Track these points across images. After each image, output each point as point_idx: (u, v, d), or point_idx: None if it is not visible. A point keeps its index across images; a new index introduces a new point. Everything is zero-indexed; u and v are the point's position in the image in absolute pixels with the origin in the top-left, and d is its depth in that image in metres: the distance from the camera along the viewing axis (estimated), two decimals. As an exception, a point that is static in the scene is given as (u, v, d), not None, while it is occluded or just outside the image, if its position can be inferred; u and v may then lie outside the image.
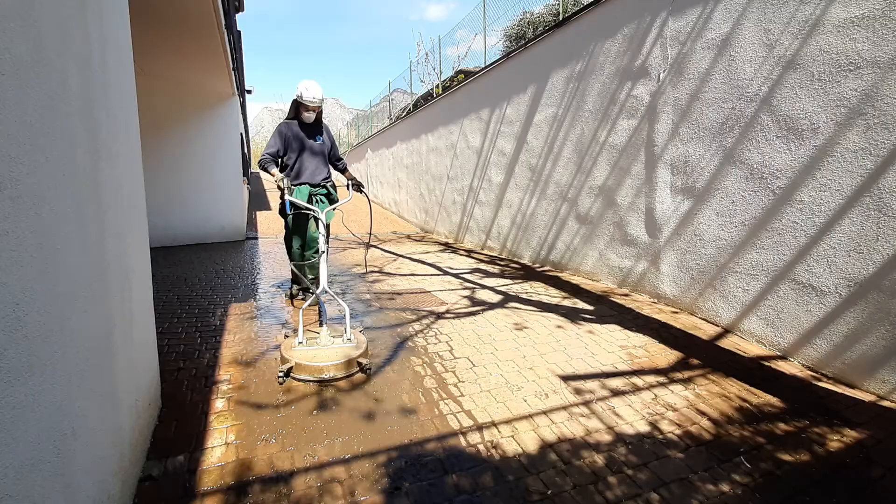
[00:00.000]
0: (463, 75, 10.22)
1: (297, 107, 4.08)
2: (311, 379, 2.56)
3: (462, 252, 7.32)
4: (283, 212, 4.18)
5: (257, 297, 4.37)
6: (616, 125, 4.65)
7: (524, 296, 4.42)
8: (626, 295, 4.42)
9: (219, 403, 2.33)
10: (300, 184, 4.27)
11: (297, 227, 4.18)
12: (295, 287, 4.37)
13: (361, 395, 2.46)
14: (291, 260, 4.20)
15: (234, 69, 7.84)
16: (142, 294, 2.08)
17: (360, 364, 2.67)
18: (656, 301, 4.20)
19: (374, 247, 7.95)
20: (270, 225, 10.67)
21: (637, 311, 3.93)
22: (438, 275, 5.49)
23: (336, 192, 4.55)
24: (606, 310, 3.97)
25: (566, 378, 2.74)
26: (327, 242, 3.37)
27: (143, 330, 2.09)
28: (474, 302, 4.20)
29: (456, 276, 5.41)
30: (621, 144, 4.59)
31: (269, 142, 4.16)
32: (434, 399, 2.45)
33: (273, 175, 4.07)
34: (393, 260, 6.53)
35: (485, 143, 7.25)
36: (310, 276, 4.26)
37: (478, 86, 7.44)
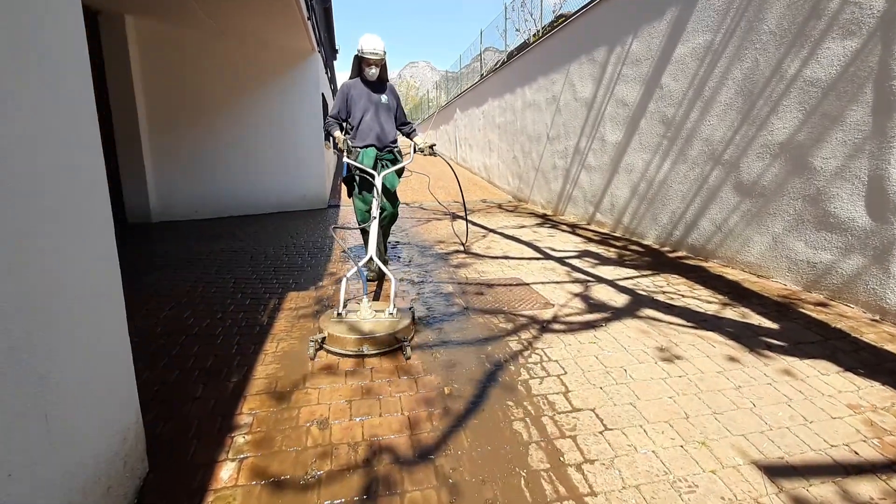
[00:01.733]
0: (563, 19, 8.59)
1: (359, 63, 3.67)
2: (344, 352, 2.39)
3: (564, 227, 6.11)
4: (347, 179, 3.75)
5: (321, 282, 3.68)
6: (819, 50, 3.11)
7: (661, 297, 3.22)
8: (823, 305, 3.01)
9: (225, 471, 1.59)
10: (366, 146, 3.70)
11: (364, 192, 3.69)
12: (386, 255, 4.02)
13: (429, 475, 1.57)
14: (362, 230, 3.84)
15: (312, 24, 7.15)
16: (98, 314, 1.34)
17: (397, 339, 2.44)
18: (879, 319, 2.76)
19: (463, 219, 7.03)
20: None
21: (854, 335, 2.57)
22: (537, 258, 4.41)
23: (403, 157, 3.83)
24: (800, 330, 2.65)
25: (771, 471, 1.60)
26: (381, 209, 3.19)
27: (107, 367, 1.37)
28: (590, 304, 3.10)
29: (560, 260, 4.29)
30: (827, 79, 3.06)
31: (333, 103, 3.84)
32: (546, 501, 1.48)
33: (336, 138, 3.69)
34: (482, 236, 5.55)
35: (598, 93, 5.83)
36: (379, 247, 3.65)
37: (592, 18, 5.95)
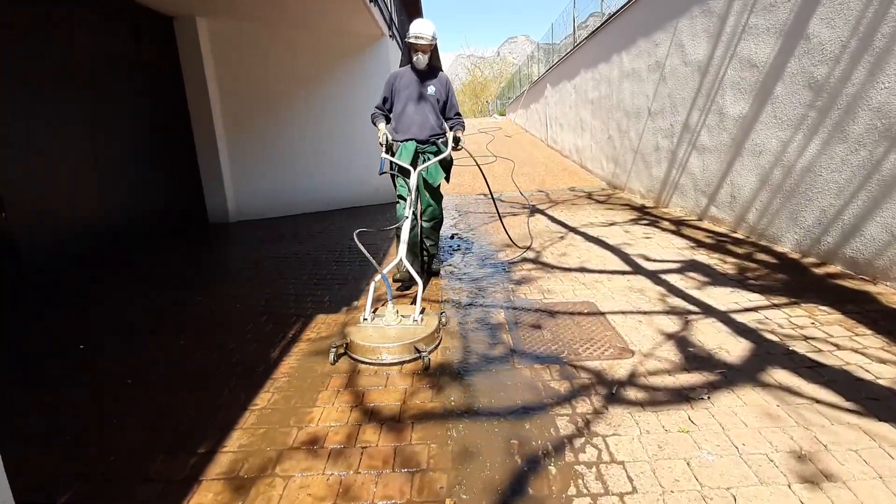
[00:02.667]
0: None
1: (409, 50, 3.31)
2: (364, 360, 2.31)
3: (666, 223, 5.00)
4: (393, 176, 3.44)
5: (357, 301, 3.24)
6: None
7: (802, 347, 2.22)
8: None
9: None
10: (406, 139, 3.31)
11: (401, 190, 3.37)
12: (434, 260, 3.69)
13: None
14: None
15: (381, 7, 6.71)
16: None
17: (417, 350, 2.29)
18: None
19: (540, 212, 6.19)
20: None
21: None
22: (624, 272, 3.51)
23: (448, 149, 3.39)
24: None
25: None
26: (413, 207, 3.02)
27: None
28: (689, 355, 2.23)
29: (654, 276, 3.36)
30: None
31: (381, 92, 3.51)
32: None
33: (379, 131, 3.39)
34: (559, 237, 4.72)
35: (715, 53, 4.57)
36: (409, 252, 3.25)
37: (709, -42, 4.64)
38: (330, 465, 1.65)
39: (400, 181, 3.35)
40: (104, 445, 1.80)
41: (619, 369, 2.14)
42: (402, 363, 2.29)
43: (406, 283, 3.43)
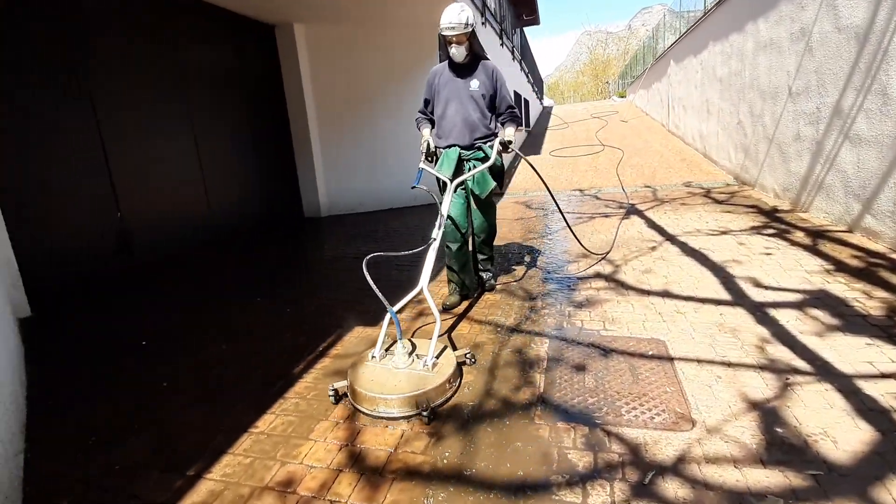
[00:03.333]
0: None
1: (444, 43, 2.93)
2: (363, 411, 2.01)
3: (799, 233, 3.99)
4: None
5: (399, 313, 3.10)
6: None
7: (966, 453, 1.50)
8: None
9: None
10: (449, 146, 3.07)
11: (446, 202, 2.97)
12: (487, 274, 3.36)
13: None
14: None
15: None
16: None
17: (417, 405, 1.94)
18: None
19: (638, 213, 5.42)
20: (529, 178, 9.26)
21: None
22: (720, 301, 2.83)
23: (500, 155, 3.04)
24: None
25: None
26: (441, 227, 2.66)
27: None
28: (775, 440, 1.64)
29: (759, 311, 2.64)
30: None
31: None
32: None
33: (423, 137, 3.12)
34: (650, 248, 4.04)
35: (878, 15, 3.44)
36: (457, 269, 3.09)
37: None
38: (291, 520, 1.51)
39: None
40: (116, 453, 1.89)
41: (667, 447, 1.66)
42: (401, 418, 1.94)
43: (455, 305, 3.10)
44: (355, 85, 6.63)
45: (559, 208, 3.81)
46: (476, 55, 2.97)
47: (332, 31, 6.30)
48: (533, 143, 13.02)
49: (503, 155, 3.10)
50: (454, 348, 2.49)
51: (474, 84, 2.94)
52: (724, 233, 4.28)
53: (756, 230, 4.27)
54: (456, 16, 2.73)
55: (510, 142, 2.97)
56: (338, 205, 6.92)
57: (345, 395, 2.14)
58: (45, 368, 2.63)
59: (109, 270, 4.01)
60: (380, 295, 2.26)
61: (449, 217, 3.04)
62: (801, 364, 2.08)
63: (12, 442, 1.80)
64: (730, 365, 2.14)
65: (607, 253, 3.97)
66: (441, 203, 2.84)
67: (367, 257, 2.40)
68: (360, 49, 6.50)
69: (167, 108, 4.64)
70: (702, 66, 8.28)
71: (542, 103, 23.86)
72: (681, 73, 10.03)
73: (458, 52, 2.86)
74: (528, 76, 15.77)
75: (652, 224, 4.89)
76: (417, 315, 3.06)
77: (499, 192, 3.15)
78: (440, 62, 3.13)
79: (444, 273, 3.40)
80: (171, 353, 2.75)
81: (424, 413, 1.89)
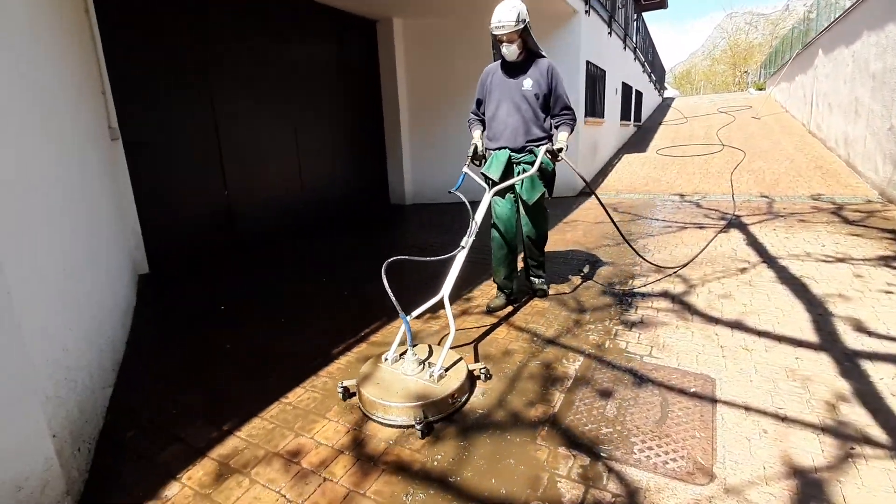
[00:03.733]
0: None
1: (495, 42, 2.86)
2: (366, 413, 2.03)
3: (941, 274, 3.24)
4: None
5: (441, 311, 3.15)
6: None
7: None
8: None
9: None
10: (498, 148, 2.97)
11: (493, 205, 3.00)
12: (539, 280, 3.27)
13: None
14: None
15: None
16: None
17: (415, 416, 1.91)
18: None
19: (741, 227, 4.81)
20: (625, 178, 8.65)
21: None
22: (801, 343, 2.44)
23: (549, 159, 2.90)
24: None
25: None
26: (472, 236, 2.57)
27: None
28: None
29: (848, 361, 2.23)
30: None
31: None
32: None
33: (473, 138, 3.07)
34: (740, 269, 3.58)
35: None
36: (502, 275, 3.07)
37: None
38: (288, 486, 1.67)
39: (496, 198, 3.00)
40: (177, 399, 2.24)
41: (670, 498, 1.51)
42: (398, 427, 1.93)
43: (499, 308, 3.06)
44: (446, 77, 6.73)
45: (612, 220, 3.51)
46: (531, 52, 2.86)
47: (427, 24, 6.44)
48: (640, 140, 12.08)
49: (556, 161, 2.94)
50: (476, 359, 2.47)
51: (527, 83, 2.83)
52: (840, 260, 3.64)
53: (884, 261, 3.55)
54: (506, 13, 2.62)
55: (560, 150, 2.82)
56: (422, 194, 7.14)
57: (354, 393, 2.17)
58: (147, 319, 3.17)
59: (214, 241, 4.63)
60: (394, 300, 2.15)
61: (497, 220, 3.00)
62: (876, 433, 1.73)
63: (102, 377, 2.22)
64: (784, 419, 1.85)
65: (680, 268, 3.61)
66: (473, 211, 2.68)
67: (388, 261, 2.34)
68: (452, 42, 6.56)
69: (272, 98, 5.17)
70: (853, 58, 6.95)
71: (661, 94, 21.91)
72: (829, 64, 8.53)
73: (510, 51, 2.76)
74: (644, 66, 14.57)
75: (752, 241, 4.32)
76: (460, 313, 3.08)
77: (549, 196, 3.01)
78: (494, 61, 3.04)
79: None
80: (241, 320, 3.13)
81: (418, 427, 1.86)
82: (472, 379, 2.24)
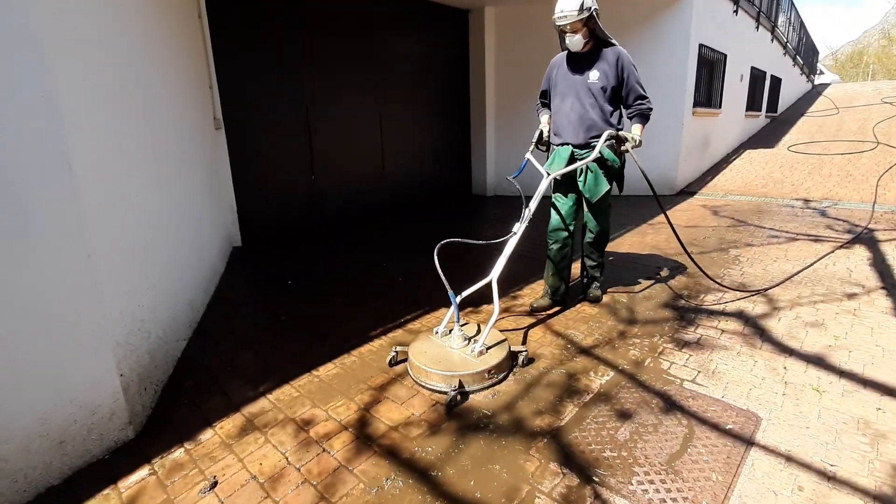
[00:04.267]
0: None
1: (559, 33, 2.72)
2: (411, 376, 2.28)
3: None
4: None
5: (484, 306, 3.13)
6: None
7: None
8: None
9: (122, 479, 1.78)
10: (562, 143, 2.86)
11: (554, 199, 2.93)
12: (594, 283, 3.11)
13: None
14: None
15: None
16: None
17: (451, 385, 2.09)
18: None
19: (869, 244, 4.02)
20: (740, 177, 7.63)
21: None
22: (894, 395, 2.01)
23: (617, 155, 2.75)
24: None
25: None
26: (524, 221, 2.60)
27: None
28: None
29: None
30: None
31: None
32: None
33: (541, 123, 3.01)
34: (848, 295, 3.03)
35: None
36: (553, 275, 2.96)
37: None
38: (293, 450, 1.84)
39: (559, 188, 2.91)
40: (235, 357, 2.56)
41: (654, 538, 1.38)
42: (436, 392, 2.14)
43: (543, 309, 2.98)
44: (537, 66, 6.48)
45: (669, 222, 3.11)
46: (599, 41, 2.66)
47: (520, 11, 6.27)
48: (770, 134, 10.52)
49: (621, 153, 2.73)
50: (524, 343, 2.54)
51: (594, 75, 2.65)
52: None
53: None
54: (567, 2, 2.47)
55: (625, 139, 2.61)
56: (504, 186, 7.07)
57: (402, 360, 2.39)
58: (229, 286, 3.64)
59: (301, 222, 5.10)
60: (444, 280, 2.39)
61: (556, 219, 2.90)
62: (956, 519, 1.38)
63: (177, 331, 2.62)
64: (831, 478, 1.56)
65: (767, 289, 3.14)
66: (529, 198, 2.70)
67: (441, 243, 2.43)
68: (546, 28, 6.30)
69: (360, 89, 5.48)
70: None
71: (810, 80, 18.71)
72: None
73: (574, 42, 2.61)
74: (785, 46, 12.56)
75: (878, 262, 3.59)
76: (503, 310, 3.05)
77: (619, 192, 2.84)
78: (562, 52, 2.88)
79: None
80: (304, 295, 3.44)
81: (452, 392, 2.03)
82: (512, 358, 2.33)
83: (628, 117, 2.74)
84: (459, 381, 2.11)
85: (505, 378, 2.22)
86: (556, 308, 3.01)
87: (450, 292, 2.38)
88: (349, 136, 5.43)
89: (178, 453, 1.86)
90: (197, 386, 2.33)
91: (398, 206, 6.11)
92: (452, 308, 2.40)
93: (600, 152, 2.67)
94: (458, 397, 2.06)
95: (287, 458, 1.79)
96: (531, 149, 2.92)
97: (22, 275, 1.58)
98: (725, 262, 3.78)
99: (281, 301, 3.33)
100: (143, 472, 1.75)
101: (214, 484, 1.69)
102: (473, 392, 2.12)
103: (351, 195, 5.57)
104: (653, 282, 3.40)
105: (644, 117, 2.69)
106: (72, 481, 1.73)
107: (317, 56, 4.95)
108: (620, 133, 2.67)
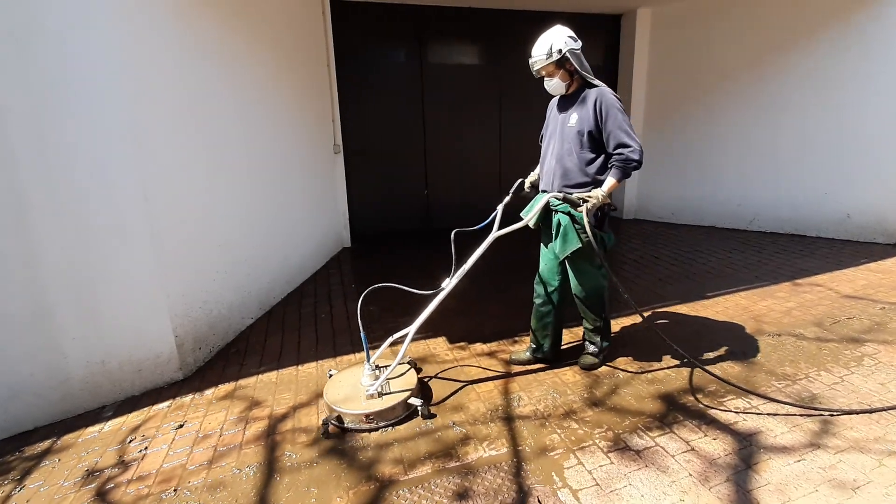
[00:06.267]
0: None
1: None
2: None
3: None
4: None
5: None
6: None
7: None
8: None
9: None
10: (543, 190, 2.72)
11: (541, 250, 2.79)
12: (591, 347, 2.83)
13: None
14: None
15: None
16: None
17: (325, 417, 2.34)
18: None
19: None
20: None
21: None
22: None
23: (584, 210, 2.39)
24: None
25: None
26: (454, 278, 2.56)
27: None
28: None
29: None
30: None
31: None
32: None
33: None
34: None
35: None
36: (533, 329, 2.82)
37: None
38: (231, 421, 2.48)
39: (542, 245, 2.73)
40: (272, 340, 3.40)
41: None
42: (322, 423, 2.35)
43: (519, 363, 2.87)
44: (697, 71, 5.46)
45: (629, 299, 2.38)
46: (585, 82, 2.38)
47: (679, 8, 5.35)
48: None
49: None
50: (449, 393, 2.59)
51: (573, 119, 2.43)
52: None
53: None
54: (537, 46, 2.40)
55: (576, 202, 2.32)
56: (646, 209, 6.25)
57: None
58: (319, 280, 4.57)
59: (410, 231, 5.81)
60: (360, 324, 2.54)
61: (540, 270, 2.75)
62: None
63: (243, 311, 3.59)
64: None
65: (831, 413, 2.22)
66: (463, 254, 2.59)
67: (368, 289, 2.61)
68: (710, 26, 5.22)
69: (480, 107, 5.74)
70: None
71: None
72: None
73: (553, 86, 2.47)
74: None
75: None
76: (487, 353, 3.05)
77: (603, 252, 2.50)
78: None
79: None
80: (370, 300, 4.08)
81: (325, 422, 2.31)
82: (408, 408, 2.40)
83: (610, 166, 2.38)
84: (339, 415, 2.31)
85: (392, 425, 2.31)
86: (538, 365, 2.84)
87: (362, 333, 2.50)
88: (466, 153, 5.81)
89: (188, 398, 2.74)
90: (237, 353, 3.24)
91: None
92: (364, 348, 2.50)
93: (574, 210, 2.42)
94: (329, 428, 2.29)
95: (222, 426, 2.45)
96: (505, 200, 2.79)
97: (119, 264, 2.62)
98: (829, 359, 2.74)
99: (336, 300, 4.06)
100: (167, 402, 2.68)
101: (181, 426, 2.49)
102: (355, 430, 2.30)
103: (466, 209, 5.94)
104: (686, 362, 2.79)
105: (620, 170, 2.31)
106: (142, 395, 2.78)
107: (436, 84, 5.47)
108: (573, 195, 2.38)
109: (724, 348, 2.95)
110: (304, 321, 3.68)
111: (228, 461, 2.18)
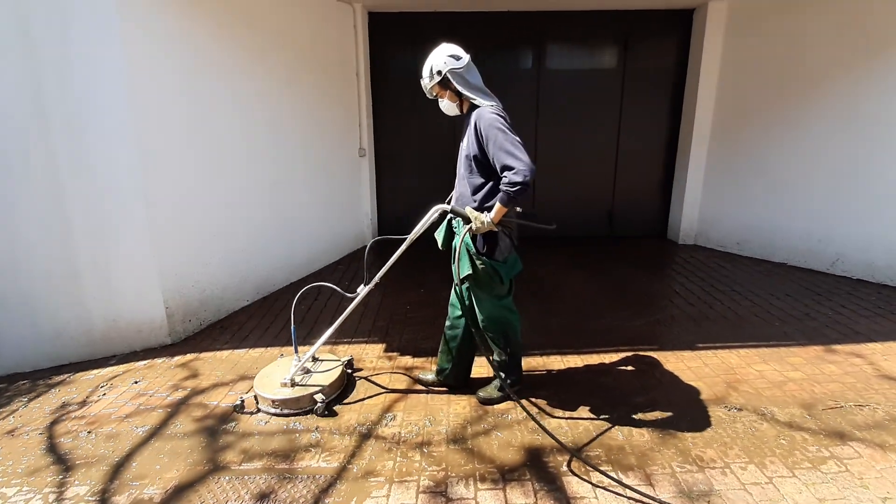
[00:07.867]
0: None
1: None
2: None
3: None
4: None
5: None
6: None
7: None
8: None
9: (135, 360, 3.39)
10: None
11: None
12: (493, 384, 2.71)
13: None
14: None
15: None
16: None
17: (241, 397, 2.66)
18: None
19: None
20: None
21: None
22: None
23: (463, 228, 2.30)
24: None
25: None
26: (368, 285, 2.65)
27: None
28: None
29: None
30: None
31: None
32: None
33: None
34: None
35: None
36: (440, 351, 2.76)
37: None
38: (171, 385, 2.96)
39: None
40: (254, 321, 3.87)
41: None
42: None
43: (424, 383, 2.84)
44: (778, 77, 4.47)
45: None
46: (472, 105, 2.28)
47: (759, 1, 4.42)
48: None
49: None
50: (354, 389, 2.79)
51: (463, 142, 2.35)
52: None
53: None
54: (424, 68, 2.33)
55: (469, 220, 2.19)
56: (707, 235, 5.35)
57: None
58: (327, 272, 4.95)
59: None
60: (292, 321, 2.79)
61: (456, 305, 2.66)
62: None
63: (239, 293, 4.13)
64: None
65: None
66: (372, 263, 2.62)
67: (303, 289, 2.85)
68: (800, 20, 4.22)
69: (528, 115, 5.50)
70: None
71: None
72: None
73: (444, 107, 2.43)
74: None
75: None
76: (410, 367, 3.07)
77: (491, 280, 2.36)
78: None
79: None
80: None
81: (241, 398, 2.62)
82: (313, 402, 2.58)
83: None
84: (255, 395, 2.63)
85: (297, 414, 2.54)
86: (441, 389, 2.78)
87: (293, 327, 2.75)
88: (573, 159, 5.62)
89: (161, 360, 3.32)
90: (220, 329, 3.77)
91: (621, 236, 5.88)
92: (293, 340, 2.77)
93: (459, 230, 2.34)
94: (243, 404, 2.60)
95: (158, 389, 2.93)
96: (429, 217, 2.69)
97: (121, 247, 3.30)
98: (778, 452, 2.14)
99: (325, 293, 4.39)
100: (146, 361, 3.29)
101: (136, 382, 3.05)
102: (265, 412, 2.57)
103: (566, 219, 5.72)
104: (623, 422, 2.44)
105: (504, 193, 2.10)
106: (141, 352, 3.44)
107: (551, 78, 5.42)
108: (465, 210, 2.23)
109: (657, 411, 2.52)
110: (288, 309, 4.08)
111: (137, 419, 2.62)
